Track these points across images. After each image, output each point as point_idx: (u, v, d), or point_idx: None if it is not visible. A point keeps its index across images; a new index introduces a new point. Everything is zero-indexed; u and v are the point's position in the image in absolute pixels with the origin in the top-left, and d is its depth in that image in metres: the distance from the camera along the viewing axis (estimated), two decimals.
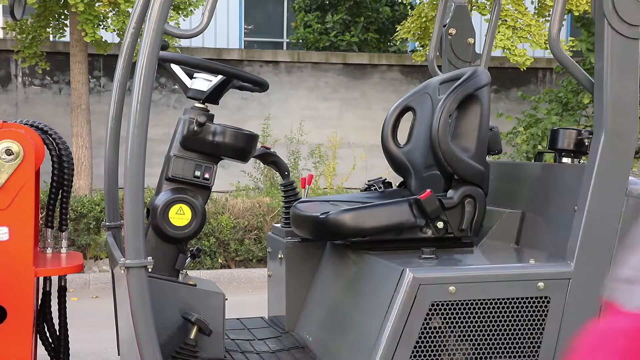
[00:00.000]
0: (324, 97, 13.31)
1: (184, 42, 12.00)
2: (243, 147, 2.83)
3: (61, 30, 10.55)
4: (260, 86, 3.01)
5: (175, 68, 2.89)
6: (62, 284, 3.08)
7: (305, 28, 15.05)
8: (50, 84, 12.72)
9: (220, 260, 8.88)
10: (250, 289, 8.06)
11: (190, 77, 2.88)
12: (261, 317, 3.55)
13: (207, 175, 2.78)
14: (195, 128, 2.74)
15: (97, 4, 9.56)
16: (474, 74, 2.91)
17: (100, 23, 9.78)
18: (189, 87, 2.86)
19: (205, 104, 2.86)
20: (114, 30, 9.87)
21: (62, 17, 10.41)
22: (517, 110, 13.16)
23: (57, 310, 3.07)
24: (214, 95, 2.87)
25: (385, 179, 3.31)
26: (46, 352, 3.09)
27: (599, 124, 2.68)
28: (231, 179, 10.73)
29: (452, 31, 3.80)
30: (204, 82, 2.85)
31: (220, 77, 2.86)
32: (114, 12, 9.72)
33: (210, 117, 2.83)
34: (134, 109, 2.34)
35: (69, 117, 10.64)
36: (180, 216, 2.71)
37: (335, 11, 14.92)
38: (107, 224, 3.25)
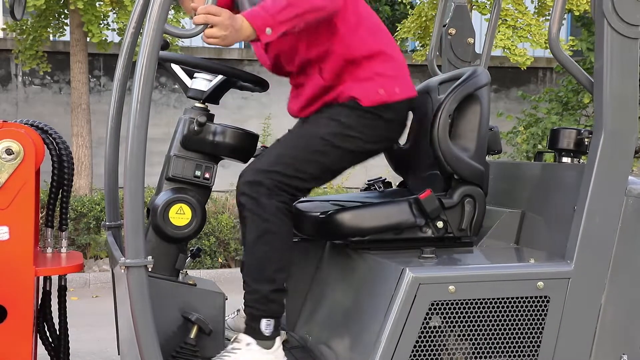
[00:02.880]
0: None
1: (184, 42, 12.02)
2: (243, 147, 2.83)
3: (61, 30, 10.56)
4: (261, 86, 3.01)
5: (176, 68, 2.89)
6: (62, 284, 3.09)
7: None
8: (51, 84, 12.73)
9: (220, 260, 8.89)
10: None
11: (191, 76, 2.89)
12: None
13: (207, 175, 2.79)
14: (196, 128, 2.74)
15: (97, 3, 9.57)
16: (474, 74, 2.91)
17: (102, 22, 9.77)
18: (189, 87, 2.87)
19: (206, 103, 2.87)
20: (115, 30, 9.87)
21: (62, 16, 10.41)
22: (517, 110, 13.16)
23: (57, 310, 3.08)
24: (214, 95, 2.87)
25: (385, 179, 3.31)
26: (46, 352, 3.09)
27: (599, 124, 2.68)
28: (231, 178, 10.67)
29: (452, 31, 3.81)
30: (204, 82, 2.85)
31: (220, 76, 2.86)
32: (114, 10, 9.72)
33: (211, 117, 2.83)
34: (133, 109, 2.34)
35: (69, 116, 10.64)
36: (180, 216, 2.72)
37: None
38: (107, 223, 3.25)
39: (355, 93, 2.71)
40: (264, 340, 2.59)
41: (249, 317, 2.62)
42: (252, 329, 2.60)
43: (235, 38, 2.40)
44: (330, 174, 2.77)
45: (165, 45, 2.87)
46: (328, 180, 2.86)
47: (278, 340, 2.64)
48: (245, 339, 2.59)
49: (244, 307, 2.67)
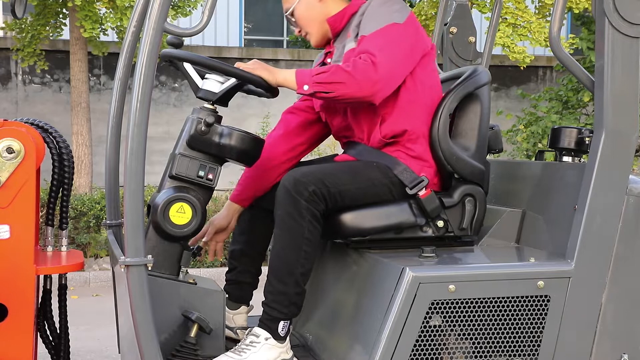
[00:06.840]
0: None
1: (184, 41, 12.02)
2: (249, 150, 2.82)
3: (59, 30, 10.56)
4: (272, 92, 3.02)
5: (188, 67, 2.88)
6: (63, 282, 3.08)
7: None
8: (50, 82, 12.73)
9: (220, 259, 8.88)
10: None
11: (202, 77, 2.88)
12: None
13: (210, 176, 2.78)
14: (203, 128, 2.74)
15: (96, 2, 9.57)
16: (474, 73, 2.91)
17: (100, 24, 9.77)
18: (200, 87, 2.86)
19: (215, 105, 2.86)
20: (112, 29, 9.87)
21: (61, 16, 10.41)
22: (517, 109, 13.16)
23: (58, 309, 3.08)
24: (224, 98, 2.87)
25: None
26: (46, 350, 3.09)
27: (599, 123, 2.68)
28: (231, 177, 10.67)
29: (453, 30, 3.81)
30: (215, 83, 2.84)
31: (233, 80, 2.85)
32: (113, 11, 9.72)
33: (219, 119, 2.83)
34: (133, 108, 2.34)
35: (69, 115, 10.64)
36: (180, 214, 2.71)
37: None
38: (107, 222, 3.25)
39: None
40: (279, 338, 2.68)
41: (267, 316, 2.67)
42: (268, 327, 2.66)
43: (273, 77, 2.80)
44: (354, 207, 2.79)
45: (178, 44, 2.87)
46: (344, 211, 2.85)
47: (288, 337, 2.73)
48: (263, 333, 2.66)
49: (263, 305, 2.70)
